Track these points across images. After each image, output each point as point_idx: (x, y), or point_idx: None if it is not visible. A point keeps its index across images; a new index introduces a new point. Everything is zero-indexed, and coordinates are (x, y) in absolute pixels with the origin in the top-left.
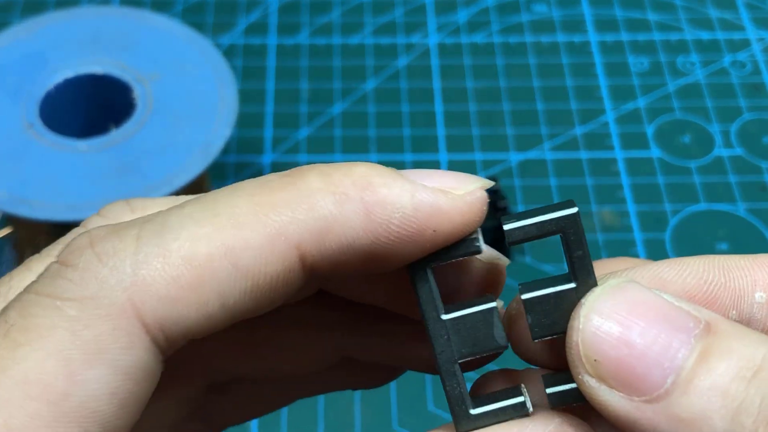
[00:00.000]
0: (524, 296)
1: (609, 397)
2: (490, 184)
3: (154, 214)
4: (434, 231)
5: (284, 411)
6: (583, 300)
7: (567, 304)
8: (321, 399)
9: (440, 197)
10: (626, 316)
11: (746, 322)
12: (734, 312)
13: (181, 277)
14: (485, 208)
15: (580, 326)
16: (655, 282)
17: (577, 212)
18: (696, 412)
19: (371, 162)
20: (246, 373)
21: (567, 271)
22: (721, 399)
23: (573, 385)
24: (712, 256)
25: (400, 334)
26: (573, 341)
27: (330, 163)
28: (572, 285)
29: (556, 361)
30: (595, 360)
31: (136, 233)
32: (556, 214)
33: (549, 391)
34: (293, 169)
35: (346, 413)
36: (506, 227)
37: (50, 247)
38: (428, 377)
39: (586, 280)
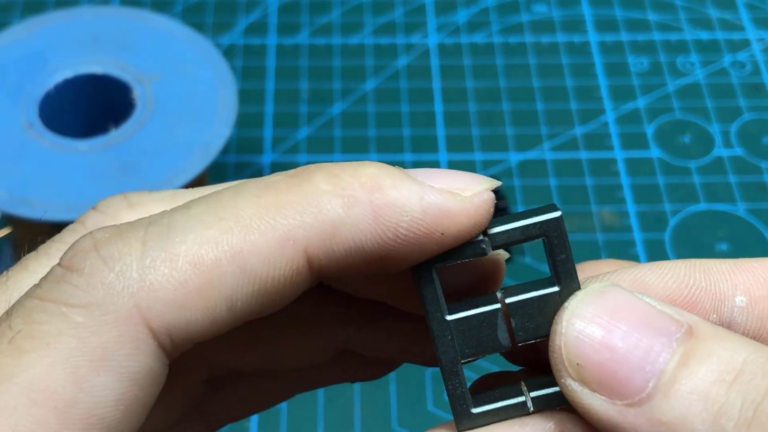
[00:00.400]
0: (508, 300)
1: (591, 401)
2: (497, 184)
3: (158, 215)
4: (442, 234)
5: (284, 410)
6: (565, 304)
7: (551, 308)
8: (321, 399)
9: (449, 199)
10: (608, 320)
11: (727, 325)
12: (715, 316)
13: (188, 282)
14: (492, 209)
15: (563, 330)
16: (637, 285)
17: (561, 216)
18: (677, 415)
19: (376, 162)
20: (244, 367)
21: (550, 274)
22: (702, 402)
23: (557, 389)
24: (693, 260)
25: (399, 327)
26: (556, 345)
27: (337, 163)
28: (556, 288)
29: (542, 363)
30: (577, 364)
31: (141, 236)
32: (539, 218)
33: (533, 394)
34: (299, 169)
35: (345, 413)
36: (490, 231)
37: (46, 245)
38: (428, 377)
39: (569, 284)
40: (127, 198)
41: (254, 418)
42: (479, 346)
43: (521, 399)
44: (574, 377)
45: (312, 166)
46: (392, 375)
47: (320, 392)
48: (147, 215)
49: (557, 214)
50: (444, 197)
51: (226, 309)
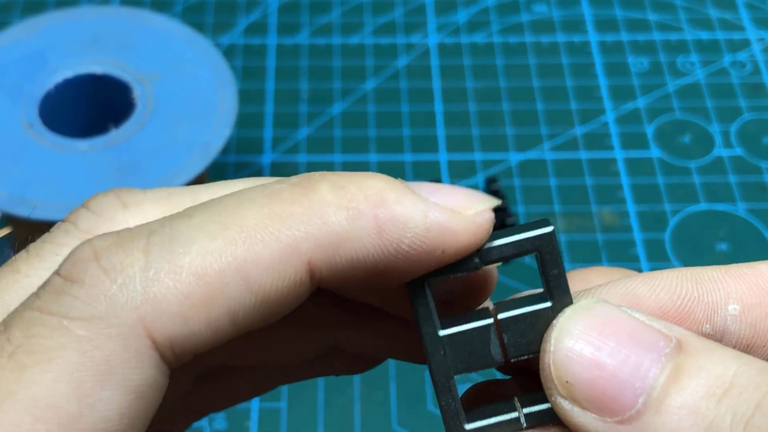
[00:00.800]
0: (500, 316)
1: (582, 419)
2: (497, 202)
3: (159, 223)
4: (443, 251)
5: (284, 410)
6: (554, 322)
7: (543, 324)
8: (321, 399)
9: (452, 218)
10: (597, 337)
11: (720, 334)
12: (708, 326)
13: (192, 294)
14: (491, 228)
15: (552, 348)
16: (629, 299)
17: (553, 231)
18: (668, 431)
19: (381, 174)
20: (236, 363)
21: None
22: (693, 417)
23: (548, 405)
24: (684, 269)
25: (392, 328)
26: (545, 363)
27: (341, 173)
28: (548, 304)
29: (536, 373)
30: (567, 382)
31: (143, 246)
32: (531, 233)
33: (525, 411)
34: (303, 178)
35: (346, 413)
36: (482, 247)
37: (37, 245)
38: (428, 377)
39: (561, 299)
40: (120, 197)
41: (254, 418)
42: (472, 362)
43: (514, 415)
44: (564, 395)
45: (316, 174)
46: (392, 375)
47: (320, 392)
48: (142, 216)
49: (549, 229)
50: (447, 215)
51: (228, 320)
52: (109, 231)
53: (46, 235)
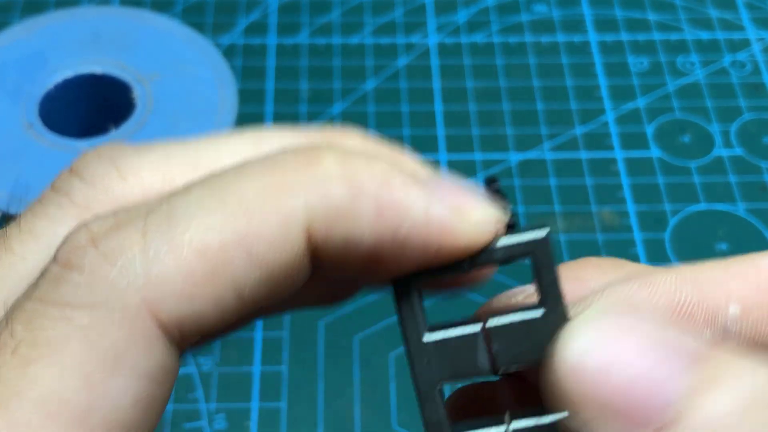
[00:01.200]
0: (489, 323)
1: None
2: (506, 219)
3: (157, 202)
4: (438, 249)
5: (283, 410)
6: (561, 333)
7: (534, 333)
8: (321, 398)
9: (454, 219)
10: (612, 348)
11: (720, 338)
12: (708, 331)
13: (195, 271)
14: (492, 239)
15: (560, 361)
16: (627, 306)
17: (548, 236)
18: None
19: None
20: None
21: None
22: (725, 430)
23: (540, 420)
24: (683, 270)
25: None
26: (553, 378)
27: (350, 150)
28: (540, 313)
29: (522, 376)
30: (579, 397)
31: (141, 226)
32: (525, 236)
33: (514, 425)
34: (310, 147)
35: (346, 413)
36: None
37: (29, 221)
38: None
39: (554, 308)
40: (115, 163)
41: (254, 418)
42: (458, 370)
43: (502, 430)
44: (577, 410)
45: (323, 144)
46: (392, 375)
47: (320, 392)
48: (140, 187)
49: (543, 233)
50: (450, 214)
51: (234, 297)
52: (106, 206)
53: (36, 206)
